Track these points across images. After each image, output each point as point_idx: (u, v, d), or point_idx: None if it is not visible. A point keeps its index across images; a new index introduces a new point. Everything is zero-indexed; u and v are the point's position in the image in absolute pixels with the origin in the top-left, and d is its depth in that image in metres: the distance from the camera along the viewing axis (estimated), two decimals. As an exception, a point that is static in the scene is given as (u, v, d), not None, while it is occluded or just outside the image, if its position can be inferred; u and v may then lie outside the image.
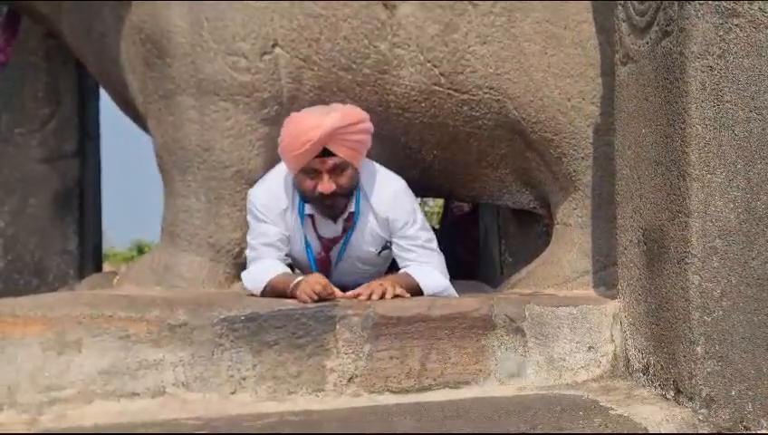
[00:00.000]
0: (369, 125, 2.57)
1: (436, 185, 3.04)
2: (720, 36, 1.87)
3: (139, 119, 3.07)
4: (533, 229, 3.38)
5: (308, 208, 2.62)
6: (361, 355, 2.19)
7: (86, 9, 2.96)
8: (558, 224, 2.83)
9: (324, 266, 2.68)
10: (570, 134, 2.72)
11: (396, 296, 2.39)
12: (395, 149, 2.82)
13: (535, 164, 2.83)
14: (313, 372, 2.17)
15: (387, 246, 2.67)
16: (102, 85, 3.23)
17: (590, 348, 2.27)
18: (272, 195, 2.62)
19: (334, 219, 2.63)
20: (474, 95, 2.73)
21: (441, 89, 2.72)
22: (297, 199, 2.62)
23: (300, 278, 2.42)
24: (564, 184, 2.77)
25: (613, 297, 2.37)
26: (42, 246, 3.87)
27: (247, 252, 2.65)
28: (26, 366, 2.11)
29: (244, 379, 2.15)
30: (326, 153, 2.50)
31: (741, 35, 1.87)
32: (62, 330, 2.15)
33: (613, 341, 2.27)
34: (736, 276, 1.88)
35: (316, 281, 2.32)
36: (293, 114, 2.57)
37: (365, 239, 2.66)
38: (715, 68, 1.87)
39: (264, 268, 2.53)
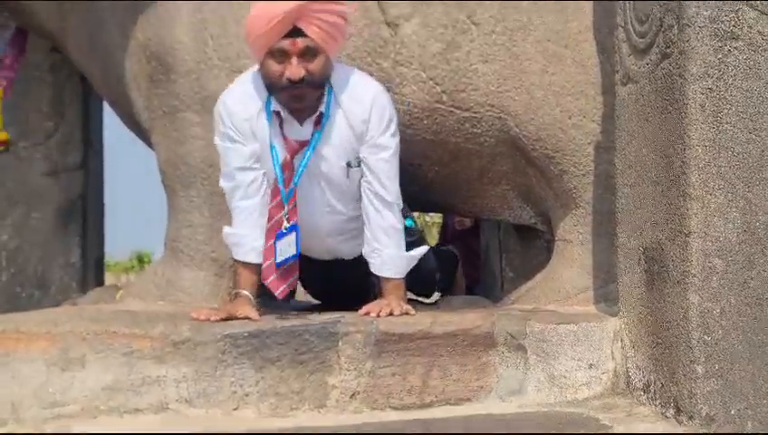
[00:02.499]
0: (347, 10, 2.41)
1: (437, 201, 3.06)
2: (719, 59, 1.89)
3: (142, 134, 3.09)
4: (534, 245, 3.40)
5: (275, 105, 2.44)
6: (363, 372, 2.20)
7: (92, 26, 2.99)
8: (559, 240, 2.84)
9: (289, 176, 2.46)
10: (570, 151, 2.73)
11: (404, 314, 2.39)
12: (397, 164, 2.84)
13: (536, 181, 2.85)
14: (316, 388, 2.18)
15: (357, 164, 2.50)
16: (107, 101, 3.26)
17: (591, 366, 2.29)
18: (239, 99, 2.46)
19: (301, 121, 2.47)
20: (475, 112, 2.75)
21: (443, 106, 2.75)
22: (266, 97, 2.44)
23: (239, 293, 2.45)
24: (565, 201, 2.79)
25: (614, 314, 2.39)
26: (44, 258, 3.89)
27: (222, 182, 2.52)
28: (30, 382, 2.13)
29: (246, 395, 2.16)
30: (296, 33, 2.32)
31: (740, 58, 1.89)
32: (66, 346, 2.17)
33: (614, 358, 2.29)
34: (736, 296, 1.89)
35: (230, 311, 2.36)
36: None
37: (333, 146, 2.47)
38: (715, 90, 1.89)
39: (241, 240, 2.49)
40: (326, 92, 2.44)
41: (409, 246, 2.60)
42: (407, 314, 2.40)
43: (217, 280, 2.81)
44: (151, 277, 2.91)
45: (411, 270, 2.57)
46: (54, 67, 3.85)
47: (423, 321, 2.29)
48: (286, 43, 2.32)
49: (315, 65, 2.36)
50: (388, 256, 2.52)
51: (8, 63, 3.58)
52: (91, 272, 4.04)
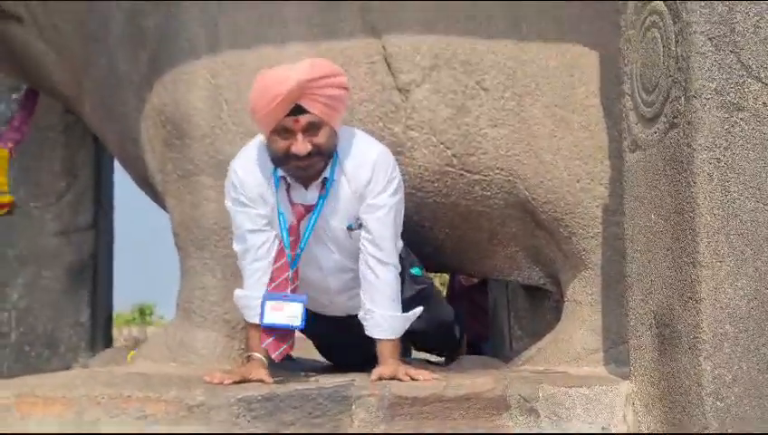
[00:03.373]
0: (344, 80, 2.41)
1: (448, 262, 3.10)
2: (726, 129, 1.94)
3: (156, 196, 3.14)
4: (543, 304, 3.42)
5: (281, 171, 2.47)
6: (377, 436, 2.21)
7: (108, 91, 3.06)
8: (568, 301, 2.87)
9: (295, 241, 2.49)
10: (579, 214, 2.77)
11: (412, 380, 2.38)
12: (407, 226, 2.87)
13: (545, 242, 2.89)
14: (330, 452, 2.19)
15: (359, 226, 2.51)
16: (120, 162, 3.32)
17: (603, 429, 2.30)
18: (249, 168, 2.49)
19: (306, 186, 2.49)
20: (485, 176, 2.80)
21: (453, 169, 2.79)
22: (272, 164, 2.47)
23: (251, 356, 2.45)
24: (574, 262, 2.82)
25: (624, 376, 2.40)
26: (54, 318, 3.92)
27: (234, 244, 2.55)
28: (47, 447, 2.14)
29: (261, 459, 2.17)
30: (299, 111, 2.33)
31: (746, 128, 1.94)
32: (81, 410, 2.18)
33: (626, 422, 2.30)
34: (747, 362, 1.92)
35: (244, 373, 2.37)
36: (263, 70, 2.43)
37: (337, 210, 2.49)
38: (722, 160, 1.93)
39: (252, 302, 2.49)
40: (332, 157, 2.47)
41: (417, 296, 2.62)
42: (415, 379, 2.38)
43: (229, 341, 2.83)
44: (163, 339, 2.93)
45: (435, 329, 2.58)
46: (68, 129, 3.93)
47: (436, 384, 2.30)
48: (290, 122, 2.35)
49: (320, 138, 2.38)
50: (381, 316, 2.49)
51: (16, 125, 3.64)
52: (100, 331, 4.07)
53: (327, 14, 2.81)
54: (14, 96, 3.77)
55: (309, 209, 2.49)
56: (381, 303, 2.49)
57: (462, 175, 2.80)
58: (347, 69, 2.75)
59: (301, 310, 2.43)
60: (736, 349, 1.92)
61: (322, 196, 2.48)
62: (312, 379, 2.42)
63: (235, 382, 2.34)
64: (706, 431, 1.90)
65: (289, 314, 2.43)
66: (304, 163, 2.40)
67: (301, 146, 2.36)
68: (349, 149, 2.48)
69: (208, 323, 2.84)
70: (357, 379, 2.37)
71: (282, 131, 2.37)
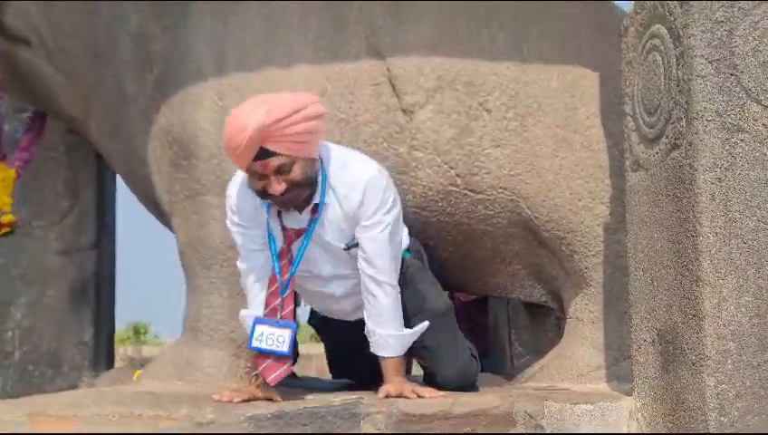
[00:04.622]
0: (312, 110, 2.34)
1: (451, 280, 3.12)
2: (727, 150, 1.99)
3: (162, 216, 3.17)
4: (544, 321, 3.46)
5: None
6: (385, 452, 2.24)
7: (115, 112, 3.09)
8: (570, 318, 2.91)
9: (286, 265, 2.48)
10: (581, 232, 2.82)
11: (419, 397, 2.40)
12: (412, 245, 2.92)
13: (547, 260, 2.93)
14: (339, 468, 2.22)
15: (356, 244, 2.49)
16: (127, 184, 3.34)
17: (609, 440, 2.33)
18: (242, 193, 2.49)
19: (300, 210, 2.48)
20: (488, 195, 2.84)
21: (457, 189, 2.84)
22: None
23: (259, 374, 2.44)
24: (576, 280, 2.86)
25: (627, 392, 2.44)
26: (57, 337, 3.92)
27: (238, 262, 2.57)
28: (60, 464, 2.16)
29: (271, 476, 2.19)
30: (266, 154, 2.30)
31: (746, 149, 1.99)
32: (93, 429, 2.20)
33: (630, 438, 2.34)
34: (750, 378, 1.96)
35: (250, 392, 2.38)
36: (233, 109, 2.39)
37: (330, 232, 2.48)
38: (724, 180, 1.98)
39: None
40: (320, 180, 2.45)
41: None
42: (422, 396, 2.40)
43: (236, 360, 2.85)
44: (170, 357, 2.95)
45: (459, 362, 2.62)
46: (70, 148, 3.94)
47: (443, 401, 2.34)
48: (258, 167, 2.33)
49: (294, 174, 2.34)
50: (381, 336, 2.51)
51: (24, 145, 3.66)
52: (103, 350, 4.07)
53: (332, 36, 2.86)
54: (20, 116, 3.78)
55: (300, 233, 2.49)
56: (381, 323, 2.51)
57: (466, 194, 2.84)
58: (352, 90, 2.82)
59: (289, 336, 2.43)
60: (739, 365, 1.96)
61: (314, 219, 2.47)
62: (321, 397, 2.45)
63: (244, 401, 2.37)
64: (711, 446, 1.94)
65: (278, 339, 2.44)
66: (284, 199, 2.39)
67: (276, 187, 2.34)
68: (340, 172, 2.46)
69: (215, 342, 2.86)
70: (365, 396, 2.41)
71: (254, 174, 2.36)
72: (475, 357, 2.76)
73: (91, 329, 3.97)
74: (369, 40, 2.85)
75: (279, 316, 2.46)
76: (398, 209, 2.54)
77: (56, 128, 3.84)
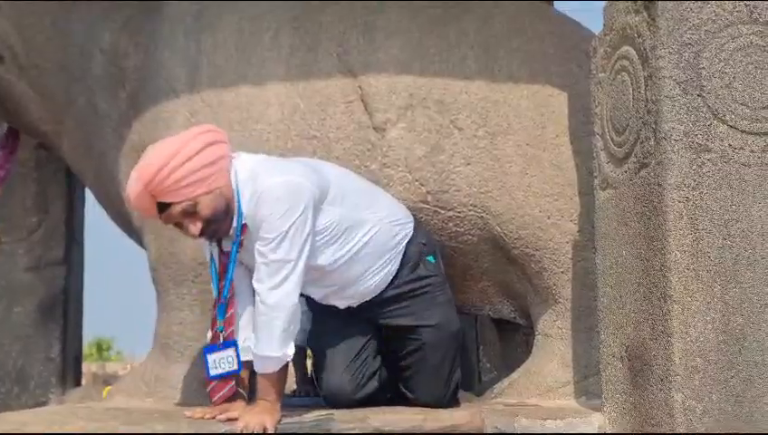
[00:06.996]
0: (190, 149, 2.29)
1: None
2: (694, 170, 2.03)
3: (133, 232, 3.16)
4: (512, 338, 3.48)
5: None
6: (357, 468, 2.25)
7: (88, 129, 3.09)
8: (539, 334, 2.94)
9: (221, 288, 2.49)
10: (549, 250, 2.85)
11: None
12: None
13: (517, 277, 2.96)
14: (311, 485, 2.22)
15: None
16: (98, 200, 3.33)
17: (591, 442, 2.36)
18: None
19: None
20: (459, 212, 2.87)
21: (428, 206, 2.86)
22: None
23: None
24: (545, 296, 2.89)
25: (596, 408, 2.47)
26: (24, 353, 3.89)
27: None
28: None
29: (244, 493, 2.19)
30: (164, 207, 2.31)
31: (713, 169, 2.04)
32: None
33: (599, 453, 2.36)
34: (717, 394, 1.99)
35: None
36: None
37: (249, 251, 2.43)
38: (691, 199, 2.03)
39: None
40: (237, 204, 2.41)
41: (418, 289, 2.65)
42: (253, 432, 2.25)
43: (206, 376, 2.84)
44: (140, 374, 2.94)
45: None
46: (39, 163, 3.92)
47: (415, 417, 2.36)
48: (165, 218, 2.36)
49: (204, 211, 2.32)
50: (254, 353, 2.43)
51: (0, 163, 3.63)
52: (70, 367, 4.04)
53: (305, 54, 2.88)
54: None
55: (228, 257, 2.48)
56: (257, 337, 2.41)
57: (436, 211, 2.87)
58: (324, 108, 2.84)
59: (234, 353, 2.45)
60: (706, 381, 1.99)
61: (234, 243, 2.45)
62: (294, 413, 2.46)
63: (216, 417, 2.37)
64: (679, 461, 1.97)
65: (228, 360, 2.46)
66: (208, 235, 2.40)
67: (192, 230, 2.35)
68: (246, 190, 2.40)
69: (185, 359, 2.86)
70: (335, 413, 2.42)
71: (169, 222, 2.38)
72: (456, 390, 2.78)
73: (59, 345, 3.94)
74: (341, 58, 2.87)
75: (221, 339, 2.48)
76: (297, 216, 2.35)
77: (26, 143, 3.81)
